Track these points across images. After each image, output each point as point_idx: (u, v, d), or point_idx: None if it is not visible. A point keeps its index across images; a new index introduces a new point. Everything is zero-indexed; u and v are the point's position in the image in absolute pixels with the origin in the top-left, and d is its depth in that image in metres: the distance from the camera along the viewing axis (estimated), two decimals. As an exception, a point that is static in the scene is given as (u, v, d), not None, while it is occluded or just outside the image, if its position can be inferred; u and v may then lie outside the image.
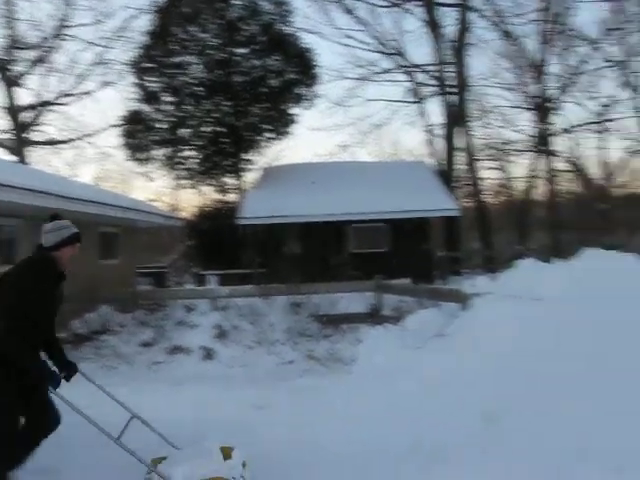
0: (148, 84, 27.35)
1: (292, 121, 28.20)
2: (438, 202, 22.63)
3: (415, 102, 33.16)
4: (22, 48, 31.52)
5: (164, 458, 4.14)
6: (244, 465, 4.09)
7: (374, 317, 9.29)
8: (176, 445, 4.43)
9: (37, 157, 35.36)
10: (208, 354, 9.21)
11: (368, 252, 22.29)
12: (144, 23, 34.05)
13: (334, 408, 5.76)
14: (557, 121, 35.57)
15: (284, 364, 8.50)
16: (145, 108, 27.50)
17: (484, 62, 59.50)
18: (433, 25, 30.57)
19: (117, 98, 68.76)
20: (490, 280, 7.70)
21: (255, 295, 10.59)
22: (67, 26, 31.32)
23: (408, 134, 52.05)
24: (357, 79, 33.50)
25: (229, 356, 9.12)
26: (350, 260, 21.69)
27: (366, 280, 14.73)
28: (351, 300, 9.98)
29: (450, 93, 30.49)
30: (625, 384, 4.60)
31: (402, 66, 32.51)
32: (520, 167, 44.96)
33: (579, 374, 4.93)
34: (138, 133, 27.31)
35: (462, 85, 30.65)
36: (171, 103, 27.50)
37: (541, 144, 33.45)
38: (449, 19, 32.59)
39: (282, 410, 6.00)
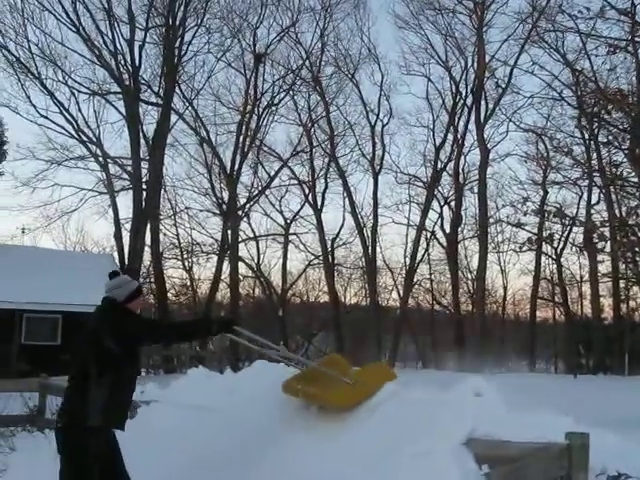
0: None
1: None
2: (120, 297, 22.15)
3: (106, 193, 32.70)
4: None
5: None
6: None
7: (35, 421, 8.59)
8: None
9: None
10: None
11: (40, 345, 21.02)
12: None
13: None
14: (244, 228, 37.36)
15: None
16: None
17: (180, 163, 60.89)
18: (133, 120, 30.78)
19: None
20: (161, 386, 7.59)
21: None
22: None
23: (96, 224, 51.22)
24: (48, 161, 32.26)
25: None
26: (19, 352, 20.28)
27: (37, 375, 13.73)
28: (11, 399, 9.16)
29: (143, 189, 30.60)
30: None
31: (97, 155, 32.06)
32: (206, 269, 46.16)
33: None
34: None
35: (155, 183, 30.99)
36: None
37: (227, 249, 34.71)
38: (150, 117, 33.24)
39: None
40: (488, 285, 39.46)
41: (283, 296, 39.39)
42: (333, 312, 38.29)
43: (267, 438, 5.59)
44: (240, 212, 36.11)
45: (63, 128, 31.38)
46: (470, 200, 39.56)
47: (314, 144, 38.14)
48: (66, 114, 31.13)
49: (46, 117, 31.20)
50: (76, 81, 31.65)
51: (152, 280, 33.92)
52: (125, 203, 40.20)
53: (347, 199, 38.29)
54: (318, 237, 38.28)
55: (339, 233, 39.24)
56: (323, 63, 37.84)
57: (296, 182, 38.67)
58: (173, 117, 33.40)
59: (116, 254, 30.86)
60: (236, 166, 35.18)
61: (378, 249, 39.31)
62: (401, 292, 39.06)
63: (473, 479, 4.24)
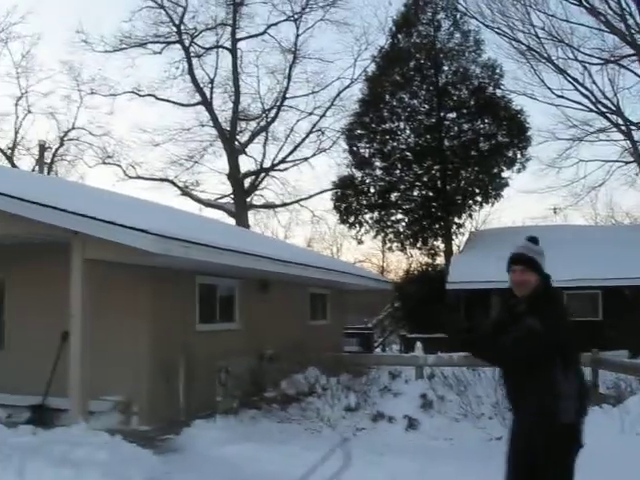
0: (359, 150, 28.25)
1: (503, 184, 27.74)
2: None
3: (633, 162, 31.40)
4: (246, 119, 33.97)
5: None
6: None
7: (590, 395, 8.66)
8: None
9: (256, 220, 37.62)
10: (411, 424, 9.05)
11: (582, 321, 21.13)
12: (356, 92, 35.47)
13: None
14: None
15: (491, 440, 8.14)
16: (356, 173, 28.37)
17: None
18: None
19: (330, 163, 71.51)
20: None
21: (462, 365, 10.30)
22: (286, 97, 33.36)
23: (625, 195, 49.48)
24: (570, 140, 32.43)
25: (433, 427, 8.90)
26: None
27: (581, 351, 13.85)
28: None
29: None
30: None
31: (618, 124, 30.98)
32: None
33: None
34: (349, 197, 28.15)
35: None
36: (381, 168, 28.13)
37: None
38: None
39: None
40: None
41: None
42: None
43: None
44: None
45: (580, 104, 31.18)
46: None
47: None
48: (581, 89, 30.83)
49: (562, 96, 31.40)
50: (586, 54, 31.09)
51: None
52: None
53: None
54: None
55: None
56: None
57: None
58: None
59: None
60: None
61: None
62: None
63: None
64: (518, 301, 4.00)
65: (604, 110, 30.90)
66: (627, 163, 32.35)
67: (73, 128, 36.27)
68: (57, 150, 36.55)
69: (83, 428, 8.07)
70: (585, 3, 29.54)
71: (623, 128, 30.82)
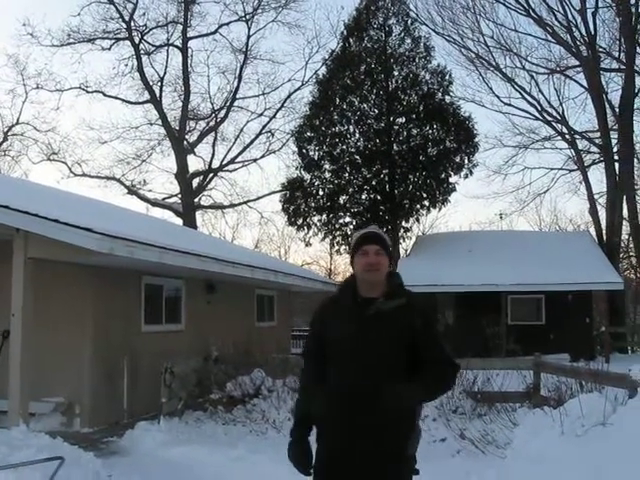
0: (309, 152, 28.29)
1: (450, 189, 28.09)
2: (600, 274, 21.57)
3: (577, 170, 32.16)
4: (195, 119, 33.71)
5: None
6: None
7: (531, 398, 8.83)
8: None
9: (204, 220, 37.35)
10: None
11: (525, 325, 21.53)
12: (307, 94, 35.64)
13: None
14: None
15: (435, 442, 8.21)
16: (305, 175, 28.39)
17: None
18: (596, 91, 29.64)
19: (279, 165, 71.56)
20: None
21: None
22: (236, 98, 33.23)
23: (569, 202, 51.05)
24: (516, 147, 33.09)
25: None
26: (507, 332, 21.05)
27: (523, 354, 14.09)
28: (506, 376, 9.54)
29: (615, 160, 29.25)
30: None
31: (563, 133, 31.71)
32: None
33: None
34: (297, 199, 28.16)
35: (626, 152, 29.31)
36: (330, 171, 28.21)
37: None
38: (614, 84, 31.79)
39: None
40: None
41: None
42: None
43: None
44: None
45: (526, 112, 31.86)
46: None
47: None
48: (528, 97, 31.51)
49: (509, 104, 32.09)
50: (533, 63, 31.81)
51: (631, 254, 32.29)
52: (597, 177, 39.05)
53: None
54: None
55: None
56: None
57: None
58: (638, 80, 31.26)
59: (592, 230, 30.13)
60: None
61: None
62: None
63: None
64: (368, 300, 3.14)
65: (550, 119, 31.61)
66: (571, 171, 33.21)
67: (17, 123, 35.42)
68: (0, 145, 35.67)
69: (23, 430, 7.86)
70: (533, 14, 30.16)
71: (567, 137, 31.55)
